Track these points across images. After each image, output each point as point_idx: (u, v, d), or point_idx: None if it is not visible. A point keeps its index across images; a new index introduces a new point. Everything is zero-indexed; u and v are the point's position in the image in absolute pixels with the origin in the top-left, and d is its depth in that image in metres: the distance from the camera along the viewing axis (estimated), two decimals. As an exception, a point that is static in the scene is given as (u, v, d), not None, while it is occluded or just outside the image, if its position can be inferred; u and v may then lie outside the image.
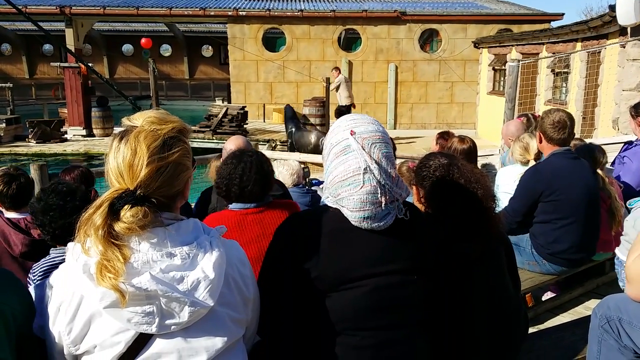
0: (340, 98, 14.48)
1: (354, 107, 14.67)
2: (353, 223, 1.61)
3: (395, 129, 18.56)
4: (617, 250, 3.17)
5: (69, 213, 2.36)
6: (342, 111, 13.78)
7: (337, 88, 14.37)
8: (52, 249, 2.53)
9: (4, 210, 3.34)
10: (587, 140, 4.92)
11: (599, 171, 3.86)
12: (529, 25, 18.06)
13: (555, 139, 3.62)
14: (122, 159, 1.35)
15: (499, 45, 15.48)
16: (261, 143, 12.91)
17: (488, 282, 2.02)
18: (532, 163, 4.10)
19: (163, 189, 1.37)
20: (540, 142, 3.73)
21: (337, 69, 15.13)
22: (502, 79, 15.43)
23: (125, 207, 1.30)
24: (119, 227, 1.30)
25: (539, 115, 5.55)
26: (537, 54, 12.76)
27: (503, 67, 14.78)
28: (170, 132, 1.40)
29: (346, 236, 1.63)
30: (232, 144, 3.60)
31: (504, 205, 3.77)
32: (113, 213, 1.30)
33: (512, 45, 14.38)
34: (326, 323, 1.61)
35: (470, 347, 1.98)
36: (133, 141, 1.36)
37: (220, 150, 3.75)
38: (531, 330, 3.24)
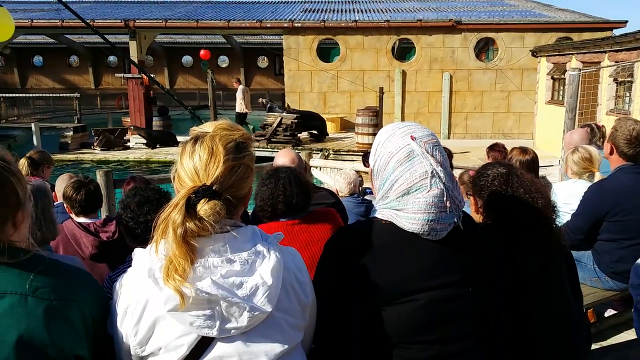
0: (240, 106, 17.51)
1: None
2: (412, 228, 1.57)
3: (449, 138, 18.31)
4: None
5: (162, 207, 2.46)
6: (241, 118, 17.32)
7: (244, 98, 17.44)
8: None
9: (73, 215, 3.52)
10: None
11: None
12: (589, 33, 17.48)
13: (628, 154, 3.43)
14: (198, 159, 1.40)
15: (558, 54, 15.06)
16: (314, 152, 13.04)
17: (549, 295, 1.98)
18: (597, 175, 3.90)
19: (234, 188, 1.42)
20: (611, 153, 3.51)
21: (238, 79, 18.74)
22: (561, 88, 14.97)
23: (202, 200, 1.34)
24: (192, 225, 1.33)
25: (603, 126, 5.36)
26: (599, 62, 12.33)
27: (562, 76, 14.35)
28: (241, 138, 1.47)
29: (399, 248, 1.60)
30: (282, 157, 3.63)
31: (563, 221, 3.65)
32: (189, 209, 1.34)
33: (572, 54, 13.95)
34: (381, 336, 1.59)
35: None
36: (209, 142, 1.41)
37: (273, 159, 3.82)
38: (594, 347, 3.15)
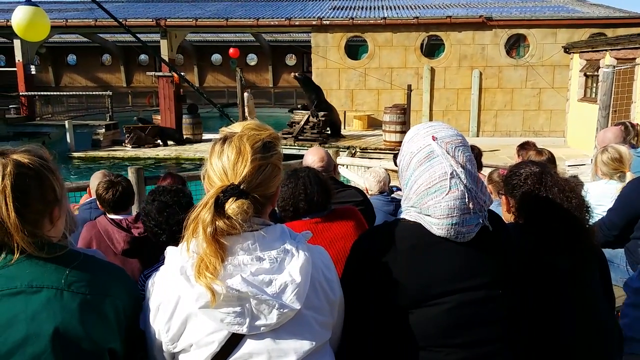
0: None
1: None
2: (438, 232, 1.56)
3: (478, 136, 18.08)
4: None
5: (184, 208, 2.48)
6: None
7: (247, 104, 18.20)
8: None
9: (106, 212, 3.62)
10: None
11: None
12: (624, 28, 17.02)
13: None
14: (226, 159, 1.43)
15: (592, 50, 14.73)
16: (341, 150, 13.03)
17: (580, 297, 1.95)
18: (629, 175, 3.81)
19: (261, 187, 1.44)
20: None
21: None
22: (594, 85, 14.66)
23: (230, 199, 1.36)
24: (222, 223, 1.35)
25: (638, 124, 5.23)
26: (634, 59, 12.03)
27: (596, 73, 14.06)
28: (268, 137, 1.49)
29: (427, 251, 1.59)
30: (312, 155, 3.64)
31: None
32: (218, 208, 1.36)
33: (606, 50, 13.64)
34: (409, 339, 1.59)
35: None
36: (237, 142, 1.44)
37: (301, 157, 3.84)
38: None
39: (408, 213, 1.66)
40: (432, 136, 1.61)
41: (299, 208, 2.61)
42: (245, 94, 18.33)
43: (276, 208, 2.51)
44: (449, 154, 1.58)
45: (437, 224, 1.56)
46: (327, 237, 2.56)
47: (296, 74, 16.84)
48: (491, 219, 1.64)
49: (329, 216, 2.63)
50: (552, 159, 4.09)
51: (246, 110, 18.27)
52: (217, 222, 1.35)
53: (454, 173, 1.55)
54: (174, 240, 2.55)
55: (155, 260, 2.64)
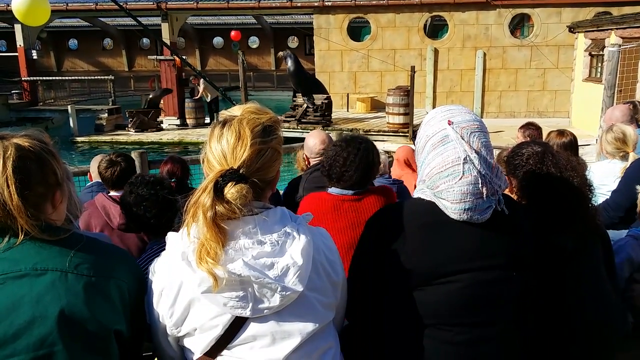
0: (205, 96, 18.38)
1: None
2: (452, 215, 1.57)
3: (482, 117, 17.92)
4: None
5: (160, 201, 2.48)
6: (211, 107, 18.45)
7: (204, 90, 17.96)
8: (149, 244, 2.66)
9: (108, 189, 3.70)
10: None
11: None
12: (630, 7, 16.79)
13: None
14: (226, 143, 1.42)
15: (597, 30, 14.58)
16: (345, 132, 12.98)
17: (583, 276, 1.95)
18: (632, 156, 3.79)
19: (261, 172, 1.43)
20: None
21: (195, 76, 18.41)
22: (599, 65, 14.53)
23: (230, 184, 1.35)
24: (221, 208, 1.35)
25: (646, 104, 5.18)
26: (640, 37, 11.92)
27: (601, 53, 13.93)
28: (268, 121, 1.48)
29: (441, 229, 1.60)
30: (313, 138, 3.61)
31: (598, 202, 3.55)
32: (217, 192, 1.36)
33: (612, 29, 13.49)
34: (419, 316, 1.60)
35: (564, 344, 1.90)
36: (237, 126, 1.43)
37: (304, 140, 3.82)
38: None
39: (423, 192, 1.68)
40: (448, 120, 1.62)
41: (331, 172, 2.61)
42: (202, 81, 17.89)
43: (280, 190, 2.50)
44: (463, 139, 1.58)
45: (451, 208, 1.58)
46: (350, 219, 2.52)
47: (280, 53, 16.57)
48: (507, 203, 1.65)
49: (362, 196, 2.59)
50: (573, 141, 4.02)
51: (204, 94, 18.32)
52: (216, 207, 1.35)
53: (468, 158, 1.56)
54: (153, 233, 2.58)
55: (154, 236, 2.65)
